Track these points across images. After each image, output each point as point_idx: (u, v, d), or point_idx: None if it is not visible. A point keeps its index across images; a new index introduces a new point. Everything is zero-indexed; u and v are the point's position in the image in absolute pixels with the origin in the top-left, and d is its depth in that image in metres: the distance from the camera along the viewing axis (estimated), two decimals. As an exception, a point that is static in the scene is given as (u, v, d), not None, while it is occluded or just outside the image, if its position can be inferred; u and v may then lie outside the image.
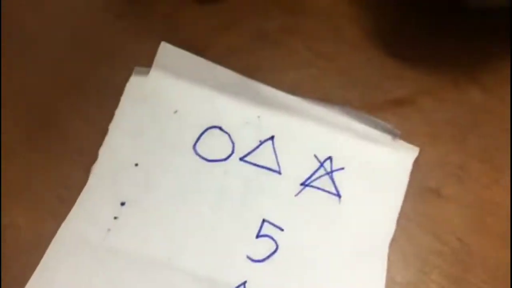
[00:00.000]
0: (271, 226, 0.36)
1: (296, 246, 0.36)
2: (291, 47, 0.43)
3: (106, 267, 0.35)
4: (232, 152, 0.38)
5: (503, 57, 0.42)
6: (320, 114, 0.39)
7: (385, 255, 0.36)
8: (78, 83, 0.41)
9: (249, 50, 0.42)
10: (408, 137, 0.39)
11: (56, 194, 0.38)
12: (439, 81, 0.41)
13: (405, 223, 0.37)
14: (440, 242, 0.36)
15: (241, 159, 0.38)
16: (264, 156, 0.38)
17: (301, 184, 0.38)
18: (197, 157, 0.38)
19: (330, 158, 0.38)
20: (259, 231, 0.36)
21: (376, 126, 0.39)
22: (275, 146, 0.39)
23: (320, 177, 0.38)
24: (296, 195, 0.37)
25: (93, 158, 0.38)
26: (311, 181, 0.38)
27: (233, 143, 0.39)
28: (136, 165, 0.38)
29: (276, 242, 0.36)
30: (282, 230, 0.36)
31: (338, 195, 0.37)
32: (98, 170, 0.38)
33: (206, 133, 0.39)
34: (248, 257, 0.35)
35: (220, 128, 0.39)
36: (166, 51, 0.41)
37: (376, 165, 0.38)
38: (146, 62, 0.41)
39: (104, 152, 0.38)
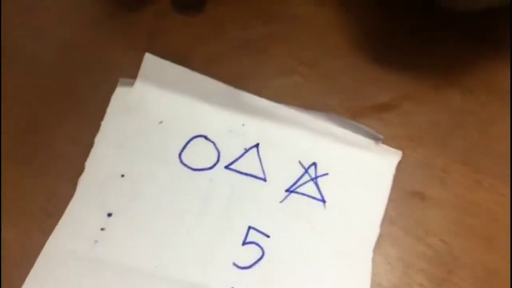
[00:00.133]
0: (257, 233, 0.37)
1: (282, 252, 0.36)
2: (273, 55, 0.43)
3: (94, 278, 0.35)
4: (218, 160, 0.39)
5: (483, 61, 0.43)
6: (304, 120, 0.40)
7: (370, 258, 0.36)
8: (63, 96, 0.42)
9: (232, 59, 0.43)
10: (391, 141, 0.40)
11: (43, 208, 0.38)
12: (420, 85, 0.42)
13: (389, 226, 0.37)
14: (424, 244, 0.37)
15: (227, 167, 0.39)
16: (249, 163, 0.39)
17: (286, 191, 0.38)
18: (183, 166, 0.39)
19: (314, 164, 0.39)
20: (245, 238, 0.37)
21: (359, 131, 0.40)
22: (260, 153, 0.39)
23: (305, 183, 0.38)
24: (282, 201, 0.38)
25: (80, 170, 0.39)
26: (296, 187, 0.38)
27: (218, 151, 0.39)
28: (123, 176, 0.38)
29: (262, 249, 0.36)
30: (268, 236, 0.37)
31: (323, 201, 0.38)
32: (85, 182, 0.38)
33: (191, 143, 0.39)
34: (235, 264, 0.36)
35: (205, 137, 0.39)
36: (150, 62, 0.41)
37: (360, 170, 0.38)
38: (131, 73, 0.41)
39: (90, 163, 0.39)
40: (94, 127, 0.40)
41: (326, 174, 0.38)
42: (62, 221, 0.37)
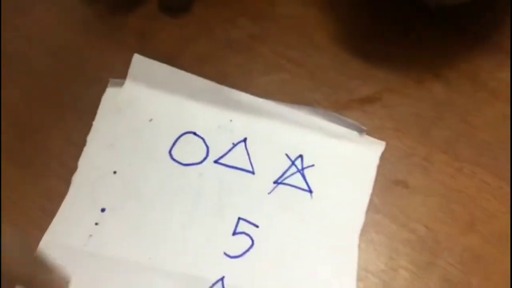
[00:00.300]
0: (247, 224, 0.38)
1: (271, 241, 0.37)
2: (261, 53, 0.44)
3: (89, 271, 0.36)
4: (207, 155, 0.40)
5: (465, 52, 0.44)
6: (290, 115, 0.41)
7: (356, 245, 0.37)
8: (55, 98, 0.43)
9: (220, 58, 0.44)
10: (375, 132, 0.41)
11: (39, 206, 0.39)
12: (403, 78, 0.43)
13: (374, 214, 0.38)
14: (408, 230, 0.38)
15: (216, 161, 0.40)
16: (237, 157, 0.40)
17: (274, 182, 0.39)
18: (173, 162, 0.40)
19: (301, 156, 0.40)
20: (235, 228, 0.38)
21: (343, 123, 0.41)
22: (248, 147, 0.40)
23: (292, 174, 0.39)
24: (270, 193, 0.39)
25: (74, 169, 0.40)
26: (284, 179, 0.39)
27: (207, 146, 0.40)
28: (115, 172, 0.39)
29: (251, 238, 0.37)
30: (257, 226, 0.38)
31: (310, 191, 0.39)
32: (78, 180, 0.39)
33: (181, 139, 0.41)
34: (225, 254, 0.37)
35: (194, 133, 0.41)
36: (139, 62, 0.43)
37: (345, 161, 0.40)
38: (123, 73, 0.43)
39: (83, 162, 0.40)
40: (87, 128, 0.41)
41: (312, 165, 0.40)
42: (57, 217, 0.38)
